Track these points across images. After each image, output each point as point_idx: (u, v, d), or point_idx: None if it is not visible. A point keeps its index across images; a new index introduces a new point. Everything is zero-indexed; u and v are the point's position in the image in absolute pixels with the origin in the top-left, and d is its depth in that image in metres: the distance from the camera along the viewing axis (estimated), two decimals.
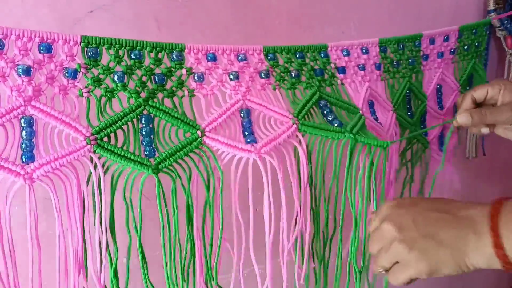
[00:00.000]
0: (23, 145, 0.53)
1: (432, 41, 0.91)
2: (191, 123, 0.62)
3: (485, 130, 0.76)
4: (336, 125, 0.70)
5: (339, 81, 0.77)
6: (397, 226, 0.56)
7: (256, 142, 0.65)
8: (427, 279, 0.55)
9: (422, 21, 1.11)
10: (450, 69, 0.96)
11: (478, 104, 0.76)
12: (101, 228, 0.57)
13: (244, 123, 0.67)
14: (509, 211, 0.50)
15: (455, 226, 0.52)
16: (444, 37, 0.92)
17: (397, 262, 0.56)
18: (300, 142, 0.68)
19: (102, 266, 0.58)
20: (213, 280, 0.66)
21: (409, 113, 0.90)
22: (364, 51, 0.81)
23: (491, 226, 0.50)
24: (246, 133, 0.66)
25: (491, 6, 1.12)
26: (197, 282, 0.65)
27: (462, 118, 0.72)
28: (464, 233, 0.52)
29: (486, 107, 0.75)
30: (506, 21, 1.13)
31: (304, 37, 0.94)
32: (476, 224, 0.51)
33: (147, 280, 0.61)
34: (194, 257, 0.64)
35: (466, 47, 0.97)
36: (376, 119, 0.81)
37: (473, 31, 0.98)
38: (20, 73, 0.53)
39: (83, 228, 0.57)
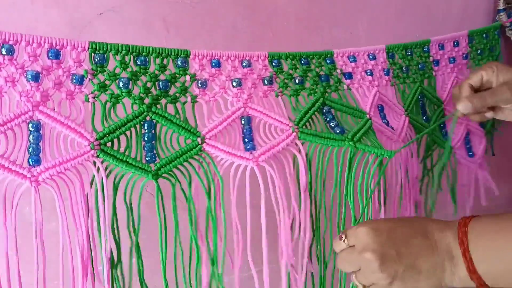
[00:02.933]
0: (30, 149, 0.55)
1: (441, 46, 0.90)
2: (191, 130, 0.64)
3: (489, 114, 0.75)
4: (338, 132, 0.70)
5: (345, 86, 0.77)
6: (380, 258, 0.54)
7: (255, 150, 0.66)
8: None
9: (430, 22, 1.10)
10: (466, 73, 0.95)
11: (475, 91, 0.75)
12: (105, 231, 0.59)
13: (245, 130, 0.68)
14: (475, 235, 0.53)
15: (433, 253, 0.54)
16: (454, 42, 0.92)
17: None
18: (299, 150, 0.69)
19: (107, 268, 0.60)
20: (218, 281, 0.67)
21: (424, 118, 0.89)
22: (371, 57, 0.81)
23: (462, 252, 0.52)
24: (246, 140, 0.67)
25: (501, 6, 1.10)
26: (202, 284, 0.67)
27: (463, 106, 0.72)
28: (441, 260, 0.54)
29: (485, 92, 0.74)
30: None
31: (312, 38, 0.94)
32: (451, 250, 0.54)
33: (142, 279, 0.63)
34: (199, 260, 0.66)
35: (479, 51, 0.96)
36: (387, 123, 0.81)
37: (484, 35, 0.97)
38: (29, 79, 0.55)
39: (88, 230, 0.59)
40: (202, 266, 0.66)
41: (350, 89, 0.78)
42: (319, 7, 0.93)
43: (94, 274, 0.60)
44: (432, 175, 0.93)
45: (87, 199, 0.59)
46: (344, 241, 0.59)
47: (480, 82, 0.74)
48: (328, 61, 0.76)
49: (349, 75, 0.78)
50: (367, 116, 0.75)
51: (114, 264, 0.62)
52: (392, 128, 0.80)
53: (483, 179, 0.99)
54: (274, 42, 0.89)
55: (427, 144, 0.90)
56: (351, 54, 0.79)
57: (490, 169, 1.29)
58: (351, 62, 0.79)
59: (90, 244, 0.59)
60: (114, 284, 0.62)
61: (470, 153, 0.97)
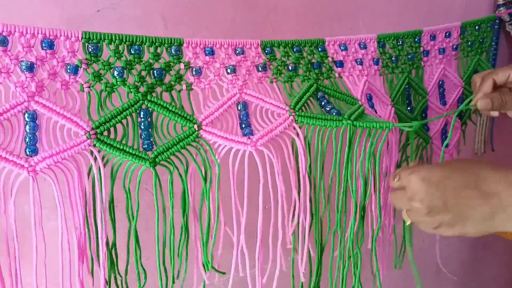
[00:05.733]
0: (27, 139, 0.55)
1: (433, 37, 0.91)
2: (187, 117, 0.64)
3: (494, 114, 0.75)
4: (334, 114, 0.71)
5: (337, 74, 0.78)
6: (427, 207, 0.58)
7: (253, 134, 0.66)
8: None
9: (432, 17, 1.10)
10: (453, 65, 0.96)
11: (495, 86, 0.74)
12: (102, 218, 0.59)
13: (241, 116, 0.68)
14: None
15: (483, 204, 0.56)
16: (446, 33, 0.92)
17: None
18: (297, 133, 0.69)
19: (103, 252, 0.60)
20: (209, 264, 0.67)
21: (409, 108, 0.90)
22: (362, 46, 0.81)
23: None
24: (243, 125, 0.68)
25: (501, 1, 1.11)
26: (194, 265, 0.68)
27: (483, 104, 0.71)
28: (491, 210, 0.56)
29: (505, 91, 0.73)
30: None
31: (312, 35, 0.94)
32: (502, 200, 0.55)
33: (139, 263, 0.64)
34: (187, 242, 0.66)
35: (469, 43, 0.97)
36: (375, 112, 0.81)
37: (477, 27, 0.98)
38: (24, 69, 0.55)
39: (86, 218, 0.59)
40: (196, 246, 0.67)
41: (341, 77, 0.79)
42: (320, 3, 0.94)
43: (92, 258, 0.61)
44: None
45: (85, 188, 0.59)
46: (397, 181, 0.63)
47: (506, 80, 0.73)
48: (319, 49, 0.77)
49: (340, 64, 0.79)
50: (359, 102, 0.75)
51: (109, 249, 0.62)
52: (380, 117, 0.81)
53: None
54: (273, 38, 0.90)
55: (408, 132, 0.90)
56: (343, 42, 0.79)
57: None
58: (342, 50, 0.79)
59: (87, 230, 0.59)
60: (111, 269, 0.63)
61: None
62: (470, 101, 0.73)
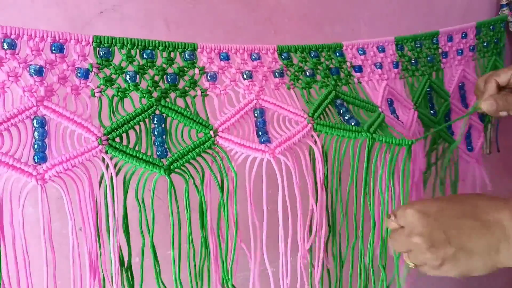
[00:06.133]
0: (36, 146, 0.53)
1: (450, 38, 0.89)
2: (203, 123, 0.61)
3: (503, 114, 0.73)
4: (353, 124, 0.69)
5: (356, 80, 0.76)
6: (428, 241, 0.54)
7: (270, 142, 0.64)
8: (440, 277, 0.56)
9: (433, 17, 1.09)
10: (471, 66, 0.94)
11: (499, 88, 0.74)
12: (114, 229, 0.56)
13: (258, 123, 0.66)
14: None
15: (486, 233, 0.53)
16: (462, 34, 0.91)
17: None
18: (315, 142, 0.66)
19: (116, 268, 0.57)
20: (228, 281, 0.64)
21: (432, 111, 0.88)
22: (380, 49, 0.79)
23: None
24: (260, 133, 0.65)
25: (504, 1, 1.09)
26: (212, 283, 0.65)
27: (487, 106, 0.70)
28: (495, 240, 0.53)
29: (509, 92, 0.72)
30: None
31: (314, 34, 0.93)
32: (505, 230, 0.52)
33: (160, 280, 0.61)
34: (209, 258, 0.63)
35: (485, 43, 0.95)
36: (397, 118, 0.79)
37: (491, 27, 0.96)
38: (32, 73, 0.52)
39: (97, 229, 0.57)
40: (212, 262, 0.64)
41: (360, 83, 0.76)
42: (321, 3, 0.92)
43: (103, 274, 0.58)
44: (436, 169, 0.93)
45: (96, 197, 0.56)
46: (393, 220, 0.60)
47: (508, 81, 0.72)
48: (337, 54, 0.75)
49: (359, 68, 0.76)
50: (379, 109, 0.73)
51: (124, 264, 0.59)
52: (402, 122, 0.79)
53: (479, 173, 0.98)
54: (276, 39, 0.88)
55: (433, 138, 0.89)
56: (361, 46, 0.77)
57: (496, 165, 1.27)
58: (360, 54, 0.77)
59: (98, 243, 0.57)
60: (125, 285, 0.60)
61: (469, 147, 0.96)
62: (477, 105, 0.73)
